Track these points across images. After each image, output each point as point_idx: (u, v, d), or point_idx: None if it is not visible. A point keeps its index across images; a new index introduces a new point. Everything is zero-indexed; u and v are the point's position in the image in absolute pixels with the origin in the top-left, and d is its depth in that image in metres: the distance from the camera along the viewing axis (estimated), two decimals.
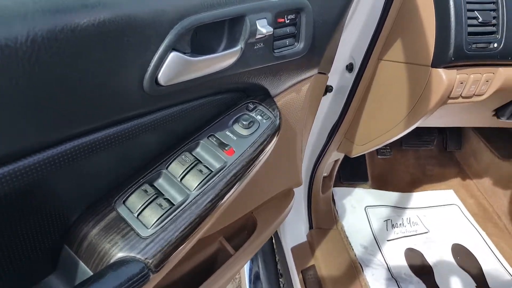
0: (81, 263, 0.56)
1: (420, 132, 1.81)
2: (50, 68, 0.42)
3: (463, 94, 1.05)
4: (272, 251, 1.43)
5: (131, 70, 0.50)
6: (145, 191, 0.58)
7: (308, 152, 1.33)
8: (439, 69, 0.98)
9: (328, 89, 1.19)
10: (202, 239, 0.93)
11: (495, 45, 1.01)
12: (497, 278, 1.55)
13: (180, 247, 0.58)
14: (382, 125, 1.17)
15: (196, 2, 0.53)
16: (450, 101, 1.05)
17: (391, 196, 1.79)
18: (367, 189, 1.77)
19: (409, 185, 1.86)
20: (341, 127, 1.23)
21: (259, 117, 0.70)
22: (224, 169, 0.63)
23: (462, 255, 1.62)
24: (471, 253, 1.63)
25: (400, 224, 1.69)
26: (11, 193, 0.47)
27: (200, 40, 0.57)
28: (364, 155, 1.77)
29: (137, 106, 0.54)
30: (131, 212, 0.57)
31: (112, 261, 0.54)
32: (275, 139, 0.71)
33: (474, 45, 0.99)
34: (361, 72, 1.12)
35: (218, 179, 0.62)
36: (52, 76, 0.43)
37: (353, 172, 1.77)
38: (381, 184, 1.82)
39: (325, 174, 1.46)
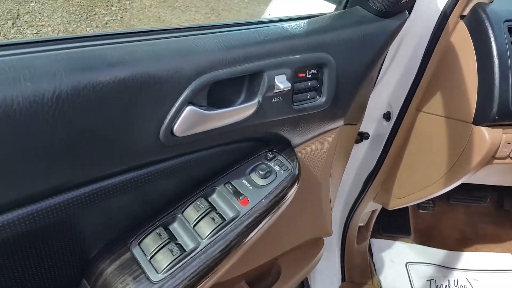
0: None
1: (470, 187, 1.67)
2: (72, 120, 0.47)
3: (511, 155, 0.97)
4: None
5: (148, 122, 0.53)
6: (159, 234, 0.60)
7: (341, 200, 1.29)
8: (481, 127, 0.92)
9: (364, 136, 1.16)
10: (224, 282, 0.93)
11: None
12: None
13: None
14: (421, 180, 1.11)
15: (214, 59, 0.56)
16: (496, 161, 0.97)
17: (437, 254, 1.65)
18: (409, 244, 1.66)
19: (458, 244, 1.71)
20: (377, 176, 1.18)
21: (277, 168, 0.70)
22: (237, 219, 0.63)
23: None
24: None
25: (446, 286, 1.55)
26: (37, 229, 0.51)
27: (219, 93, 0.60)
28: (407, 208, 1.68)
29: (154, 154, 0.57)
30: (145, 254, 0.59)
31: None
32: (293, 191, 0.70)
33: None
34: (399, 122, 1.09)
35: (230, 229, 0.62)
36: (74, 128, 0.47)
37: (394, 224, 1.67)
38: (425, 239, 1.69)
39: (362, 224, 1.39)
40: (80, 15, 3.38)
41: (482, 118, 0.92)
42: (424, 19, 0.94)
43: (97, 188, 0.54)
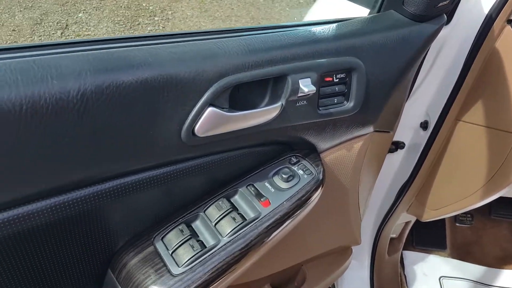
0: None
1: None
2: (96, 118, 0.47)
3: None
4: None
5: (170, 121, 0.53)
6: (182, 231, 0.60)
7: (374, 210, 1.23)
8: None
9: (400, 145, 1.11)
10: (249, 283, 0.91)
11: None
12: None
13: None
14: (457, 191, 1.04)
15: (237, 62, 0.55)
16: None
17: (474, 270, 1.54)
18: (444, 257, 1.56)
19: (499, 261, 1.59)
20: (411, 187, 1.12)
21: (300, 172, 0.68)
22: (257, 220, 0.62)
23: None
24: None
25: None
26: (65, 219, 0.53)
27: (243, 96, 0.59)
28: (443, 219, 1.58)
29: (176, 153, 0.57)
30: (167, 248, 0.59)
31: None
32: (316, 195, 0.68)
33: None
34: (437, 131, 1.02)
35: (250, 229, 0.61)
36: (98, 124, 0.48)
37: (429, 237, 1.58)
38: (463, 254, 1.58)
39: (394, 236, 1.32)
40: (124, 25, 3.51)
41: None
42: (466, 24, 0.88)
43: (122, 183, 0.55)
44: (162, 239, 0.60)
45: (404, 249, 1.49)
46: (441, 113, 1.00)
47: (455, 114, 0.98)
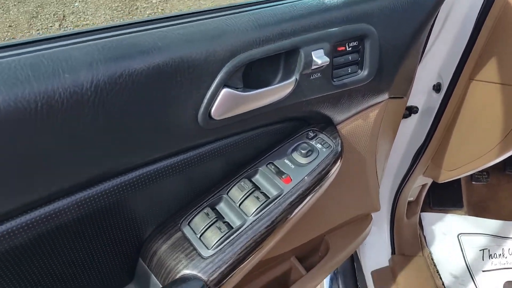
0: (153, 276, 0.60)
1: None
2: (111, 108, 0.46)
3: None
4: (353, 273, 1.33)
5: (185, 106, 0.51)
6: (207, 214, 0.60)
7: (390, 176, 1.21)
8: None
9: (413, 110, 1.07)
10: (275, 257, 0.92)
11: None
12: None
13: (237, 269, 0.58)
14: (473, 150, 1.01)
15: (247, 39, 0.52)
16: None
17: (491, 224, 1.53)
18: (461, 215, 1.55)
19: None
20: (427, 150, 1.09)
21: (319, 146, 0.66)
22: (280, 197, 0.61)
23: None
24: None
25: (500, 255, 1.43)
26: (93, 213, 0.52)
27: (256, 73, 0.56)
28: (459, 179, 1.55)
29: (194, 138, 0.56)
30: (195, 233, 0.59)
31: (177, 277, 0.56)
32: (336, 167, 0.66)
33: None
34: (450, 93, 0.99)
35: (274, 207, 0.60)
36: (114, 115, 0.46)
37: (445, 197, 1.56)
38: (479, 211, 1.57)
39: (411, 199, 1.31)
40: (122, 11, 3.40)
41: None
42: None
43: (144, 173, 0.54)
44: (189, 223, 0.60)
45: (422, 211, 1.48)
46: (453, 74, 0.96)
47: (468, 73, 0.94)
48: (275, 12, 0.55)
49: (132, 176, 0.53)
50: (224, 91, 0.52)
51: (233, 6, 0.57)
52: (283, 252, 0.91)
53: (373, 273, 1.28)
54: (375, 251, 1.31)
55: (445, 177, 1.11)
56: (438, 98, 1.02)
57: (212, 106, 0.52)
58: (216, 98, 0.52)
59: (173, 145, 0.54)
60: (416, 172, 1.15)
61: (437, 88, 1.02)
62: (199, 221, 0.59)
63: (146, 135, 0.50)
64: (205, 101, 0.51)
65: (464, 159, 1.04)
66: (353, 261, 1.36)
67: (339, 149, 0.67)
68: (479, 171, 1.55)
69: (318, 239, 0.98)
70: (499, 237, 1.50)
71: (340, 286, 1.32)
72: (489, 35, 0.87)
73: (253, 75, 0.56)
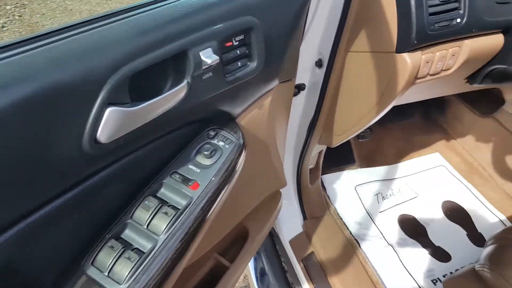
0: None
1: (401, 108, 1.72)
2: None
3: (430, 72, 0.98)
4: (273, 247, 1.38)
5: (67, 136, 0.43)
6: (112, 247, 0.52)
7: (291, 149, 1.26)
8: (403, 54, 0.91)
9: (301, 87, 1.11)
10: (197, 260, 0.89)
11: (458, 20, 0.93)
12: (485, 222, 1.53)
13: None
14: (356, 114, 1.10)
15: (129, 49, 0.45)
16: (418, 81, 0.98)
17: (379, 171, 1.73)
18: (355, 170, 1.71)
19: (396, 157, 1.80)
20: (318, 121, 1.16)
21: (221, 143, 0.63)
22: (191, 205, 0.57)
23: (452, 209, 1.59)
24: (460, 205, 1.60)
25: (390, 195, 1.64)
26: None
27: (144, 84, 0.50)
28: (349, 140, 1.71)
29: (84, 168, 0.48)
30: (101, 271, 0.51)
31: None
32: (241, 160, 0.65)
33: (436, 25, 0.91)
34: (330, 66, 1.04)
35: (185, 217, 0.56)
36: None
37: (339, 158, 1.71)
38: (369, 162, 1.76)
39: (312, 166, 1.39)
40: None
41: (403, 46, 0.90)
42: None
43: (33, 220, 0.45)
44: (92, 263, 0.52)
45: (322, 174, 1.60)
46: (331, 49, 1.01)
47: (343, 47, 1.00)
48: (155, 15, 0.49)
49: (20, 228, 0.44)
50: (109, 110, 0.45)
51: (109, 14, 0.49)
52: (204, 254, 0.88)
53: (291, 241, 1.34)
54: (289, 222, 1.37)
55: (336, 141, 1.19)
56: (321, 73, 1.07)
57: (97, 130, 0.45)
58: (101, 120, 0.45)
59: (60, 182, 0.46)
60: (312, 142, 1.21)
61: (319, 64, 1.07)
62: (104, 256, 0.52)
63: (29, 177, 0.42)
64: (88, 126, 0.44)
65: (350, 123, 1.13)
66: (272, 236, 1.41)
67: (241, 141, 0.65)
68: (363, 130, 1.72)
69: (236, 229, 0.97)
70: (387, 180, 1.70)
71: (264, 262, 1.36)
72: (357, 10, 0.94)
73: (141, 86, 0.50)
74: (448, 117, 1.92)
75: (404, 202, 1.61)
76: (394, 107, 1.16)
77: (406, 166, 1.77)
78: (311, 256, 1.29)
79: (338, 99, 1.12)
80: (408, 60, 0.91)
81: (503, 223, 1.53)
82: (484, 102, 1.76)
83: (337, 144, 1.22)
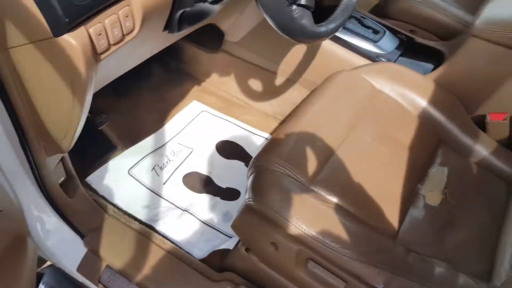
0: None
1: (137, 72, 1.58)
2: None
3: (111, 42, 0.88)
4: (67, 284, 1.18)
5: None
6: None
7: (22, 181, 1.02)
8: (63, 37, 0.78)
9: None
10: None
11: None
12: (255, 145, 1.68)
13: None
14: (64, 110, 0.94)
15: None
16: (104, 55, 0.88)
17: (147, 143, 1.65)
18: (120, 156, 1.59)
19: (158, 122, 1.75)
20: (27, 136, 0.96)
21: None
22: None
23: (225, 148, 1.67)
24: (232, 141, 1.70)
25: (167, 162, 1.61)
26: None
27: None
28: (92, 132, 1.54)
29: None
30: None
31: None
32: None
33: None
34: None
35: None
36: None
37: (96, 151, 1.55)
38: (133, 140, 1.65)
39: (63, 179, 1.19)
40: None
41: (58, 27, 0.77)
42: None
43: None
44: None
45: (86, 177, 1.42)
46: None
47: None
48: None
49: None
50: None
51: None
52: None
53: (79, 269, 1.18)
54: (67, 250, 1.18)
55: (66, 145, 1.02)
56: None
57: None
58: None
59: None
60: (38, 160, 1.01)
61: None
62: None
63: None
64: None
65: (64, 122, 0.96)
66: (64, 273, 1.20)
67: None
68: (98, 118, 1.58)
69: None
70: (159, 149, 1.65)
71: None
72: None
73: None
74: (188, 63, 1.96)
75: (183, 162, 1.61)
76: (129, 73, 1.06)
77: (171, 126, 1.75)
78: (107, 271, 1.16)
79: (35, 104, 0.93)
80: (72, 40, 0.79)
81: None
82: (211, 39, 1.85)
83: (71, 147, 1.05)
